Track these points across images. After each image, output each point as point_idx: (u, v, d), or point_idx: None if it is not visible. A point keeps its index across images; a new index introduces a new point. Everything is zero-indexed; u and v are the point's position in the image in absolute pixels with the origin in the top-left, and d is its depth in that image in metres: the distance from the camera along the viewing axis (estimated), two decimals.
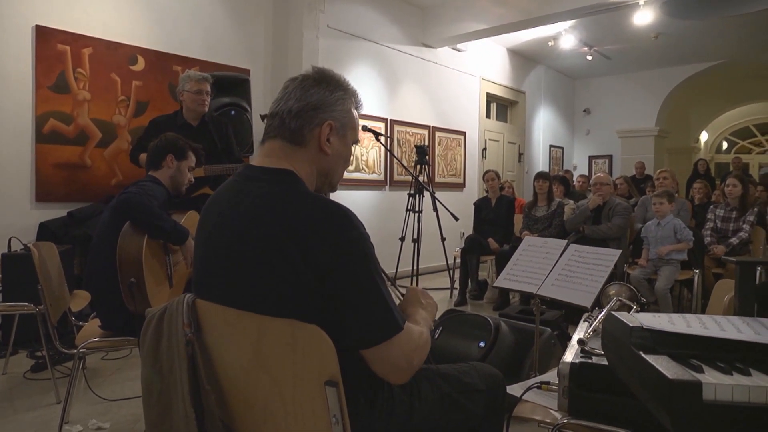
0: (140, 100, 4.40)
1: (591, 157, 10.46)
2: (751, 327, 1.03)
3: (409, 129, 6.79)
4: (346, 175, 5.75)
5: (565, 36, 7.82)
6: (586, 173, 9.47)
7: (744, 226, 4.30)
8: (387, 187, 6.48)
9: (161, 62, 4.52)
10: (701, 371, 0.87)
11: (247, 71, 5.11)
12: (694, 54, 8.69)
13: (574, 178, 7.46)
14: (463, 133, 7.71)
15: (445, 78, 7.40)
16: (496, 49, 8.44)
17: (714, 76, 9.77)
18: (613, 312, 1.15)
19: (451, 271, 5.51)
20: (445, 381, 1.33)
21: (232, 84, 4.55)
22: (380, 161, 6.38)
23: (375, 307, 1.03)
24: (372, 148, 6.27)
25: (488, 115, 8.50)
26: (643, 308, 1.76)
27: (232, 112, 4.42)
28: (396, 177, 6.55)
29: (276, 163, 1.15)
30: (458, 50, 7.54)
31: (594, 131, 10.39)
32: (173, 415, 1.13)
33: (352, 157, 1.34)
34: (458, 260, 5.22)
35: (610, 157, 10.22)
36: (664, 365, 0.87)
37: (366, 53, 6.17)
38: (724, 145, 13.06)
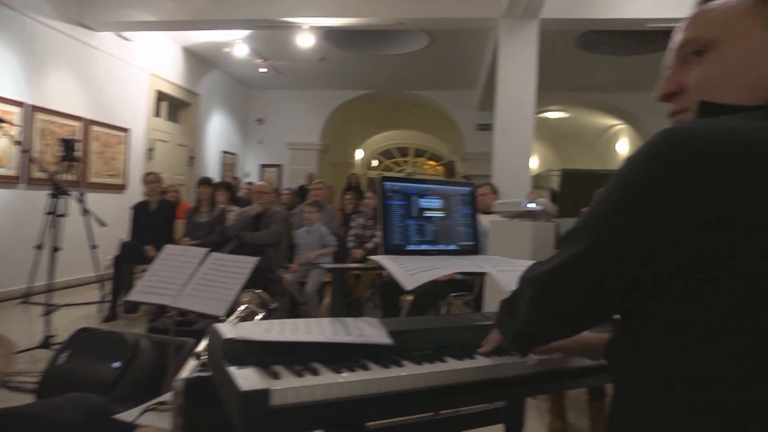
0: None
1: (262, 166, 10.87)
2: (334, 327, 1.15)
3: (56, 119, 5.82)
4: None
5: (239, 45, 7.92)
6: (258, 181, 9.79)
7: (377, 232, 5.05)
8: (22, 184, 5.40)
9: None
10: (278, 377, 0.91)
11: None
12: (351, 81, 9.89)
13: (243, 185, 7.60)
14: (127, 130, 7.03)
15: (107, 67, 6.61)
16: (170, 45, 8.00)
17: (365, 102, 11.34)
18: (216, 324, 1.14)
19: (103, 283, 4.92)
20: (35, 422, 1.11)
21: None
22: (12, 153, 5.27)
23: None
24: (3, 137, 5.13)
25: (158, 114, 7.97)
26: (271, 313, 1.83)
27: None
28: (36, 174, 5.51)
29: None
30: (126, 39, 6.86)
31: (266, 141, 10.83)
32: None
33: None
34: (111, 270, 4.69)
35: (280, 167, 10.81)
36: (243, 376, 0.88)
37: None
38: (375, 162, 15.34)
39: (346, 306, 4.18)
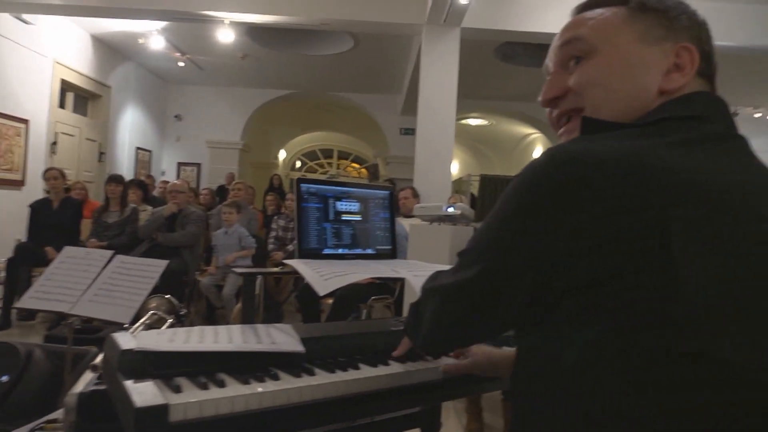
0: None
1: (180, 164, 10.39)
2: (244, 335, 1.09)
3: None
4: None
5: (156, 36, 7.52)
6: (176, 180, 9.35)
7: None
8: None
9: None
10: (179, 391, 0.85)
11: None
12: (274, 80, 9.66)
13: (158, 184, 7.23)
14: (26, 121, 6.48)
15: (3, 52, 6.06)
16: (77, 32, 7.45)
17: (289, 102, 11.15)
18: (113, 333, 1.06)
19: None
20: None
21: None
22: None
23: None
24: None
25: (62, 105, 7.40)
26: (180, 320, 1.74)
27: None
28: None
29: None
30: (25, 22, 6.31)
31: (184, 138, 10.36)
32: None
33: None
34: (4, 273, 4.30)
35: (199, 166, 10.39)
36: (140, 390, 0.81)
37: None
38: (298, 163, 15.13)
39: (266, 309, 4.08)
